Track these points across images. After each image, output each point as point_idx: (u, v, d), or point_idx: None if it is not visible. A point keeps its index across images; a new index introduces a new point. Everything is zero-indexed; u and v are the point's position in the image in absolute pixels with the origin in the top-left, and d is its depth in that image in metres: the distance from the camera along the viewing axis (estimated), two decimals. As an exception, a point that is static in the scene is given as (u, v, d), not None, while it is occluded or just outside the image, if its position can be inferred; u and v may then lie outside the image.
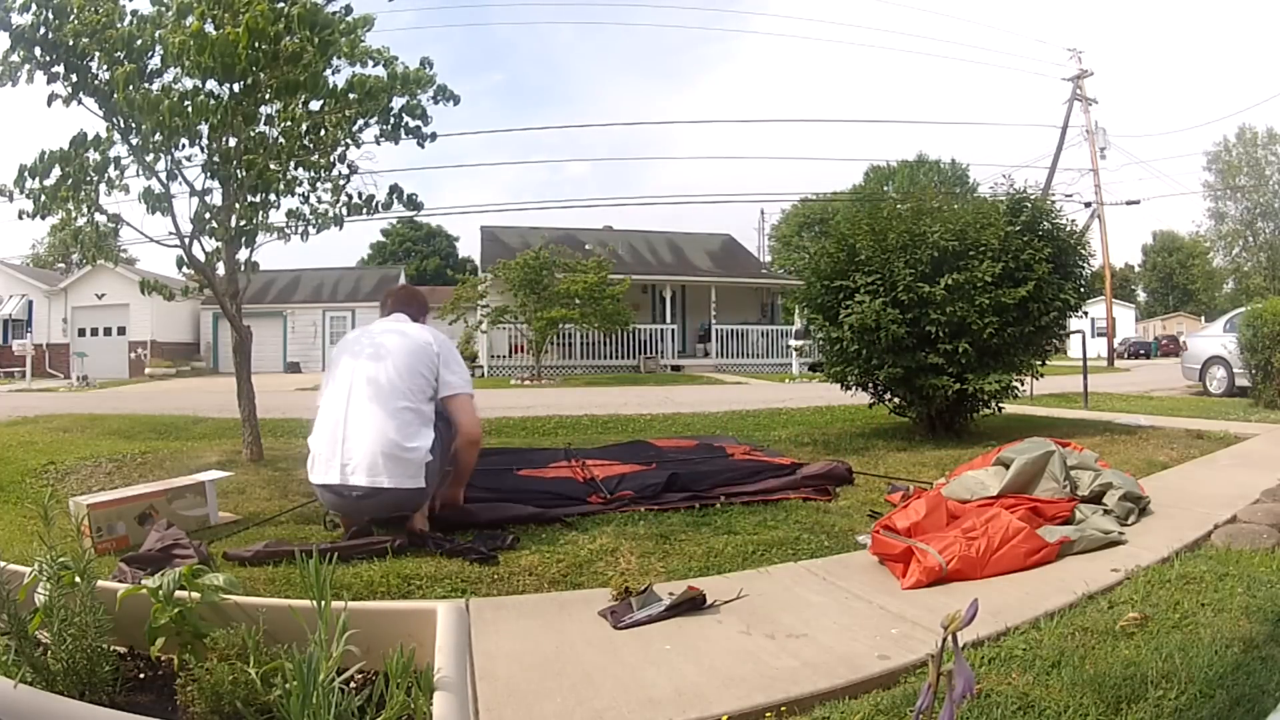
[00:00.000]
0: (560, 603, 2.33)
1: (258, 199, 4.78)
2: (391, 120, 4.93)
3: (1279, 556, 2.59)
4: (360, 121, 4.90)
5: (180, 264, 4.80)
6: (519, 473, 4.51)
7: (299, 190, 5.02)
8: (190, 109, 4.10)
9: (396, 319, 3.33)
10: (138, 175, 4.49)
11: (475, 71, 75.63)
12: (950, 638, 0.87)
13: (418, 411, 3.01)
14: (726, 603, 2.24)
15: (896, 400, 6.01)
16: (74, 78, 4.10)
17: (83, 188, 4.30)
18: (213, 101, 4.18)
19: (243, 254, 4.88)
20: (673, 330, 20.87)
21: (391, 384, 2.98)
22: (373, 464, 2.86)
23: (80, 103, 4.18)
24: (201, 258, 4.75)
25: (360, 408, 2.94)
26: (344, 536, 2.96)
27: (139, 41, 4.03)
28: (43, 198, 4.24)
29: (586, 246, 19.49)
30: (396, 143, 4.97)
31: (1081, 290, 6.07)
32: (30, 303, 24.11)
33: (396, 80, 4.68)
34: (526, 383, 16.13)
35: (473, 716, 1.59)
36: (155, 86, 4.21)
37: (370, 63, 4.75)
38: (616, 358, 19.96)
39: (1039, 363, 6.09)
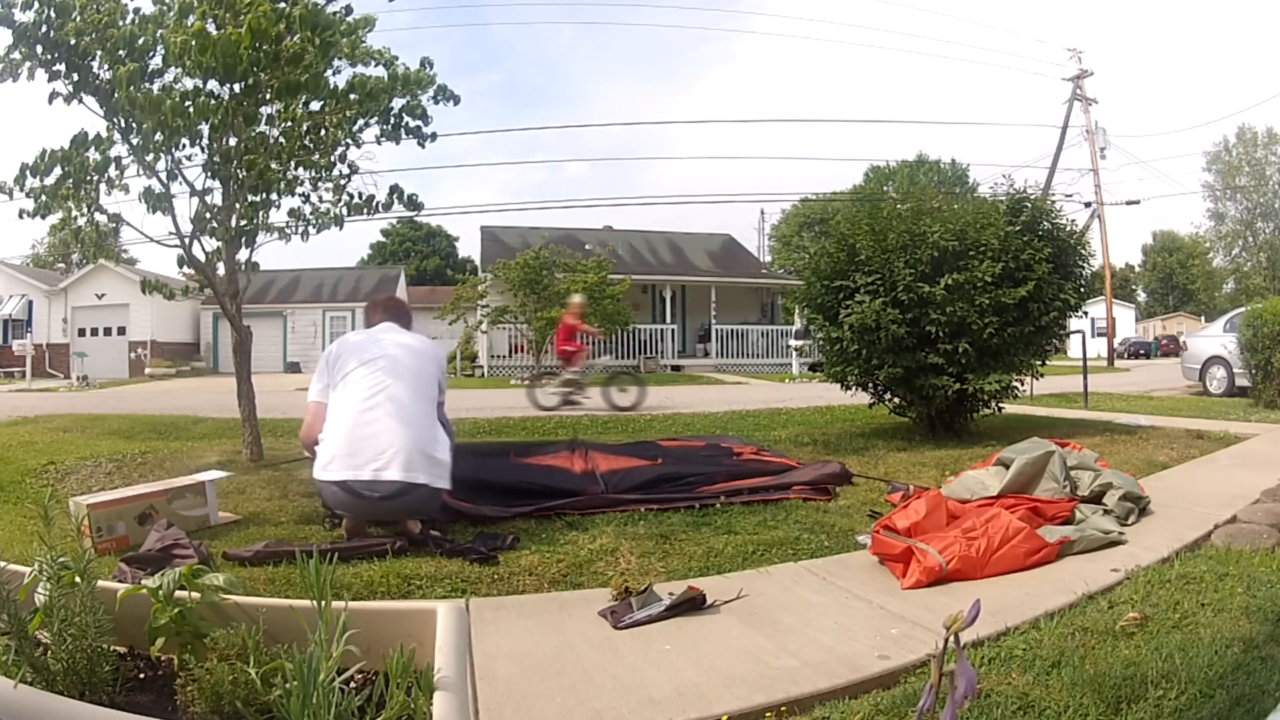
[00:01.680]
0: (560, 603, 2.33)
1: (258, 199, 4.78)
2: (392, 120, 4.93)
3: (1279, 556, 2.59)
4: (360, 122, 4.90)
5: (180, 264, 4.80)
6: (520, 460, 4.50)
7: (299, 190, 5.02)
8: (191, 109, 4.10)
9: (389, 328, 3.36)
10: (138, 175, 4.50)
11: (473, 71, 75.59)
12: (953, 638, 0.87)
13: (434, 417, 3.13)
14: (726, 603, 2.24)
15: (896, 400, 6.01)
16: (75, 76, 4.10)
17: (83, 187, 4.30)
18: (214, 101, 4.18)
19: (243, 254, 4.88)
20: (673, 330, 20.87)
21: (414, 391, 3.06)
22: (409, 460, 2.89)
23: (81, 101, 4.18)
24: (201, 258, 4.75)
25: (387, 410, 2.97)
26: (345, 538, 2.97)
27: (140, 41, 4.03)
28: (43, 197, 4.24)
29: (586, 246, 19.49)
30: (397, 143, 4.97)
31: (1081, 290, 6.07)
32: (30, 303, 24.10)
33: (397, 81, 4.68)
34: (527, 383, 16.12)
35: (473, 716, 1.59)
36: (156, 86, 4.21)
37: (371, 63, 4.75)
38: (616, 358, 19.95)
39: (1039, 363, 6.08)
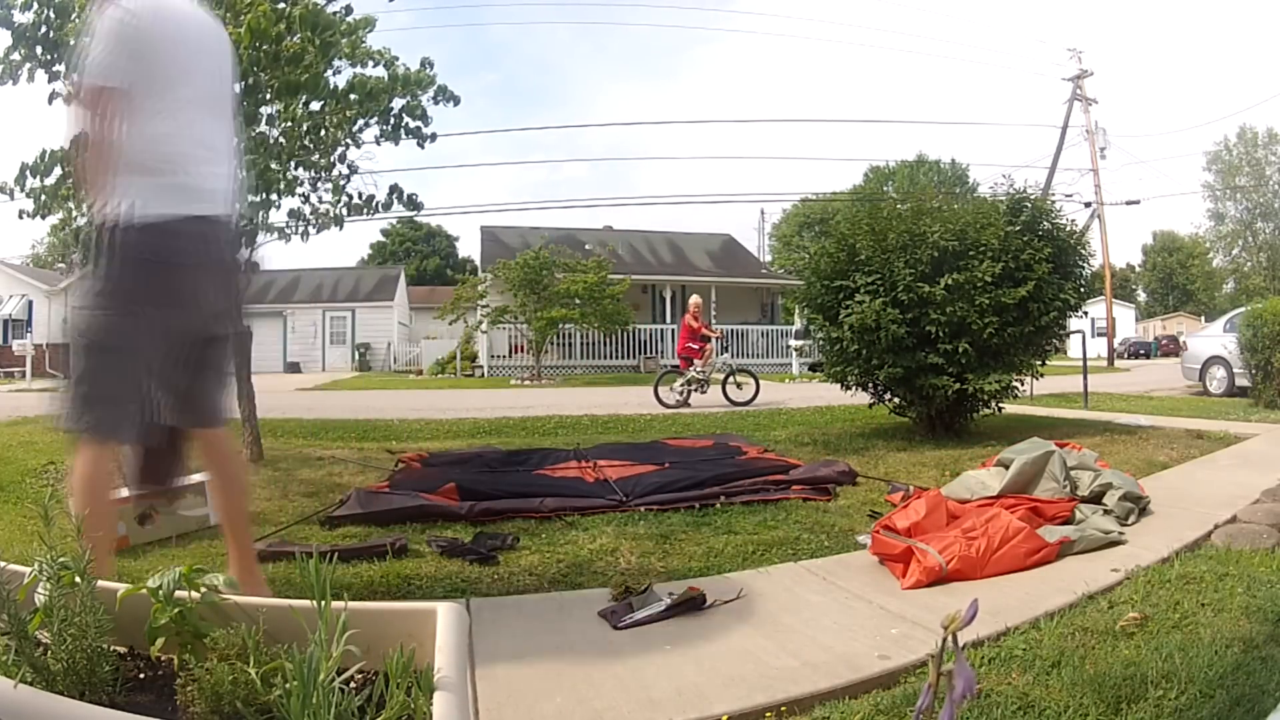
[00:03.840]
0: (560, 603, 2.33)
1: (258, 199, 4.78)
2: (391, 121, 4.93)
3: (1279, 556, 2.59)
4: (360, 122, 4.90)
5: (180, 264, 4.79)
6: (535, 472, 4.50)
7: (299, 190, 5.01)
8: (191, 109, 4.09)
9: None
10: (138, 175, 4.48)
11: (471, 72, 75.76)
12: (950, 638, 0.87)
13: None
14: (726, 603, 2.24)
15: (896, 400, 6.01)
16: (76, 77, 4.10)
17: (84, 187, 4.29)
18: (213, 101, 4.17)
19: (242, 254, 4.87)
20: (673, 330, 20.82)
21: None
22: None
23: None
24: (202, 258, 4.74)
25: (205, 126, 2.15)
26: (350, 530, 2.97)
27: (140, 41, 4.02)
28: (43, 197, 4.24)
29: (586, 246, 19.51)
30: (397, 143, 4.97)
31: (1081, 290, 6.07)
32: (30, 303, 24.12)
33: (397, 81, 4.68)
34: (526, 383, 16.13)
35: (473, 716, 1.59)
36: (155, 86, 4.21)
37: (371, 64, 4.75)
38: (616, 358, 19.96)
39: (1039, 363, 6.08)
